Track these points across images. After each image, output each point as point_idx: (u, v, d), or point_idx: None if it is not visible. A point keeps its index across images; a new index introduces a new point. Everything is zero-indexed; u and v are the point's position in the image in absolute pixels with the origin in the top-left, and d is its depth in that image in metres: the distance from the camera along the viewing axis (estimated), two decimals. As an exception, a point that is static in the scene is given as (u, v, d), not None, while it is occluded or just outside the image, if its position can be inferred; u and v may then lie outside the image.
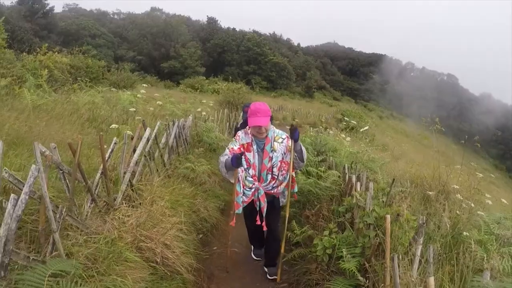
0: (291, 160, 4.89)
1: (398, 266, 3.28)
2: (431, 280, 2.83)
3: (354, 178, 5.34)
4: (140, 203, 4.96)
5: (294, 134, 4.74)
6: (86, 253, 3.52)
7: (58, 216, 3.35)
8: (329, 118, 34.50)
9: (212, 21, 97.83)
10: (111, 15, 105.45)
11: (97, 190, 4.27)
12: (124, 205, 4.68)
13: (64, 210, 3.46)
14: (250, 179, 5.00)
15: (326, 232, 4.68)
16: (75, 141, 4.18)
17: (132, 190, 5.11)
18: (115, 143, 4.58)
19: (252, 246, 6.24)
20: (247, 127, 5.04)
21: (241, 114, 11.00)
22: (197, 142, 9.62)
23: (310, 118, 34.86)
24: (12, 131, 5.64)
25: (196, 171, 7.41)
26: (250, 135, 5.03)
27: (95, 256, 3.59)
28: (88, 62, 20.38)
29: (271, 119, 4.96)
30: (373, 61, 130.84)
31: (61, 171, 3.74)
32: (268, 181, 5.02)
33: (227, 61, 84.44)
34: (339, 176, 6.35)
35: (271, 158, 4.95)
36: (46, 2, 76.83)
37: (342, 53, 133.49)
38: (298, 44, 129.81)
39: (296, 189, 5.42)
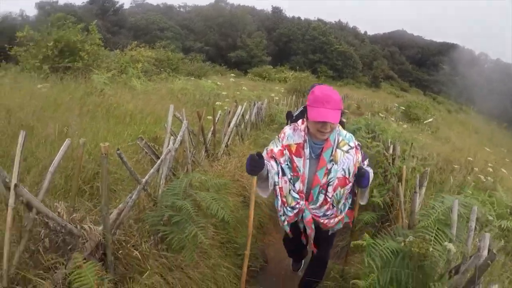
0: (356, 209, 3.83)
1: (404, 197, 5.02)
2: (416, 195, 4.46)
3: (391, 146, 7.12)
4: (234, 157, 7.01)
5: (362, 181, 3.46)
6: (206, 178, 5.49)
7: (190, 155, 5.33)
8: (397, 109, 34.57)
9: (277, 11, 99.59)
10: (177, 8, 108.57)
11: (208, 144, 6.30)
12: (224, 157, 6.74)
13: (194, 151, 5.46)
14: (295, 195, 3.57)
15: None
16: (200, 112, 6.13)
17: (227, 148, 7.17)
18: (220, 114, 6.68)
19: (291, 259, 4.99)
20: (300, 121, 3.64)
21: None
22: (270, 121, 11.59)
23: (375, 108, 35.33)
24: (135, 107, 7.82)
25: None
26: (303, 133, 3.51)
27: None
28: (169, 55, 22.72)
29: (342, 114, 3.44)
30: (444, 51, 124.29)
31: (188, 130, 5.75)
32: (319, 203, 3.58)
33: (292, 50, 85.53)
34: (382, 148, 8.09)
35: (328, 171, 3.48)
36: (115, 0, 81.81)
37: (411, 41, 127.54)
38: (365, 32, 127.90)
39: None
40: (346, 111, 22.74)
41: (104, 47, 17.04)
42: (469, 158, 8.81)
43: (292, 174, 3.54)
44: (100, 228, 3.13)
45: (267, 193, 3.62)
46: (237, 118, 7.71)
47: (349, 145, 3.55)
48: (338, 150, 3.48)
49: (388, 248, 3.12)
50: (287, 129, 3.66)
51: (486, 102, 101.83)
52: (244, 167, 3.83)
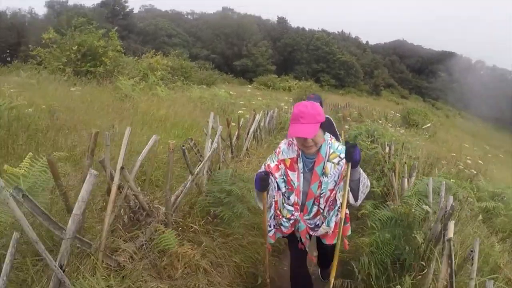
0: (344, 197, 3.23)
1: (398, 185, 6.07)
2: (404, 179, 5.48)
3: (387, 147, 8.16)
4: (253, 158, 7.96)
5: (352, 154, 3.12)
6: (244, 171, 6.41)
7: (221, 155, 6.27)
8: (394, 116, 35.28)
9: (282, 21, 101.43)
10: (185, 15, 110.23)
11: (233, 147, 7.25)
12: (246, 158, 7.70)
13: (224, 153, 6.40)
14: (290, 207, 3.72)
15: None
16: (228, 120, 7.08)
17: (247, 151, 8.14)
18: (242, 121, 7.65)
19: None
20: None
21: None
22: (280, 128, 12.60)
23: (376, 115, 36.07)
24: (166, 113, 8.79)
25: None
26: (296, 148, 3.64)
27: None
28: (182, 63, 23.74)
29: (323, 126, 3.42)
30: (442, 59, 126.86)
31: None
32: (312, 214, 3.70)
33: (297, 59, 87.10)
34: (380, 149, 9.16)
35: (320, 184, 3.57)
36: (126, 4, 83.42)
37: (411, 51, 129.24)
38: (367, 42, 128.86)
39: (348, 233, 3.94)
40: (348, 118, 23.66)
41: (124, 53, 18.03)
42: (452, 154, 10.01)
43: (287, 187, 3.66)
44: (163, 209, 4.04)
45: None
46: (256, 125, 8.68)
47: (340, 157, 3.52)
48: (328, 163, 3.52)
49: (384, 215, 4.42)
50: (282, 145, 3.74)
51: (483, 107, 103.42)
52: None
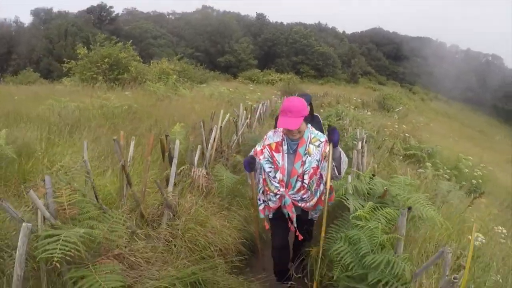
0: (328, 171, 3.97)
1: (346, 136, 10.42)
2: (348, 130, 9.94)
3: (346, 121, 12.52)
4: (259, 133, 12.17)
5: (333, 136, 3.93)
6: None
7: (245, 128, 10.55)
8: (370, 102, 36.92)
9: (261, 17, 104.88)
10: (167, 16, 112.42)
11: (248, 124, 11.48)
12: (257, 130, 11.94)
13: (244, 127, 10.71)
14: (276, 184, 4.20)
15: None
16: (245, 108, 11.26)
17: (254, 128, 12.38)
18: (253, 108, 11.89)
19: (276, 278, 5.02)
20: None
21: None
22: (272, 115, 16.87)
23: (352, 102, 36.12)
24: (199, 108, 12.93)
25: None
26: (281, 134, 4.23)
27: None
28: (184, 66, 27.70)
29: (306, 119, 4.09)
30: (418, 45, 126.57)
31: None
32: (296, 189, 4.17)
33: (277, 53, 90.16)
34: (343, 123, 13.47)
35: (303, 163, 4.10)
36: (111, 10, 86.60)
37: (387, 38, 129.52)
38: (343, 31, 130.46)
39: (333, 200, 4.63)
40: (324, 105, 27.36)
41: (143, 62, 21.70)
42: (404, 126, 14.43)
43: (272, 167, 4.19)
44: (227, 150, 8.28)
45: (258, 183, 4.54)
46: (259, 111, 12.85)
47: (320, 141, 4.17)
48: (311, 145, 4.12)
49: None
50: (270, 132, 4.42)
51: (457, 89, 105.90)
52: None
